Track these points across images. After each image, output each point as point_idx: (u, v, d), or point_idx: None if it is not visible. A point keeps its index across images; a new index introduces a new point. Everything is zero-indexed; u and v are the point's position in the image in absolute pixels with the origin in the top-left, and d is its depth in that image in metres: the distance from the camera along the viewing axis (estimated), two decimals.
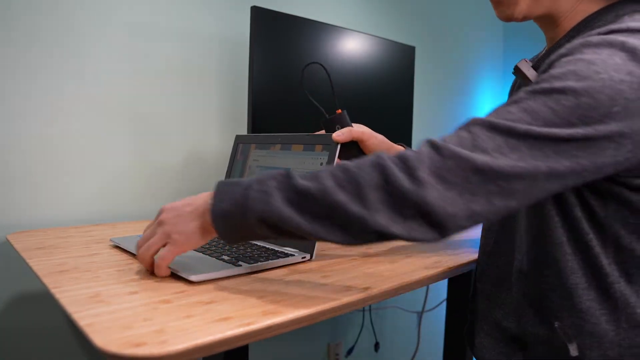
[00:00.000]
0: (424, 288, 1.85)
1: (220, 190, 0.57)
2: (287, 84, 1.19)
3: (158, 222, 0.62)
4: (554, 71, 0.54)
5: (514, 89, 0.86)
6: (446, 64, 1.97)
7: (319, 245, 0.86)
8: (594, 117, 0.50)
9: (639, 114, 0.50)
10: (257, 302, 0.56)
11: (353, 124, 0.85)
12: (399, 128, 1.50)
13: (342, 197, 0.51)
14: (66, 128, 1.03)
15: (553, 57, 0.57)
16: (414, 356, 1.88)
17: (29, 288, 1.00)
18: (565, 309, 0.61)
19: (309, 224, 0.53)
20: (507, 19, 0.67)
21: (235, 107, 1.30)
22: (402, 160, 0.51)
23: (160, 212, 0.63)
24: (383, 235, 0.51)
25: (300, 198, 0.53)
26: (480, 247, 0.78)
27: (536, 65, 0.68)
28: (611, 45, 0.52)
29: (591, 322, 0.60)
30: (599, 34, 0.56)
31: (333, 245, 0.86)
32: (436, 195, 0.49)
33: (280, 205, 0.53)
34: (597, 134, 0.50)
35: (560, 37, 0.66)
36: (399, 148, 0.91)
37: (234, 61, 1.28)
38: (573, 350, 0.60)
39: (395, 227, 0.50)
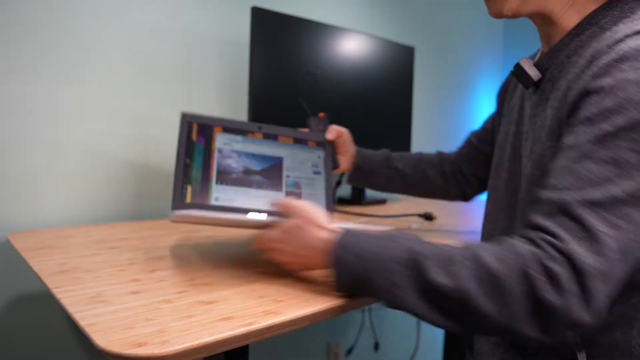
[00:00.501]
0: None
1: (341, 260, 0.56)
2: (287, 84, 1.19)
3: (283, 241, 0.63)
4: (606, 103, 0.51)
5: (509, 85, 0.86)
6: (445, 65, 1.97)
7: None
8: None
9: None
10: (257, 302, 0.56)
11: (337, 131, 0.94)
12: (398, 128, 1.51)
13: (488, 307, 0.48)
14: (66, 128, 1.03)
15: (586, 78, 0.54)
16: (413, 356, 1.88)
17: (29, 288, 1.00)
18: None
19: (443, 320, 0.51)
20: (497, 15, 0.66)
21: (236, 107, 1.30)
22: (546, 271, 0.47)
23: (281, 238, 0.63)
24: (522, 339, 0.49)
25: (436, 296, 0.50)
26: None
27: (539, 64, 0.67)
28: None
29: (603, 334, 0.58)
30: (626, 36, 0.54)
31: None
32: (584, 306, 0.47)
33: (412, 300, 0.50)
34: None
35: (561, 36, 0.65)
36: (353, 149, 0.98)
37: (234, 61, 1.29)
38: (581, 359, 0.59)
39: (540, 335, 0.48)
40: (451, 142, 2.05)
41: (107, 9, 1.07)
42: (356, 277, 0.55)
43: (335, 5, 1.52)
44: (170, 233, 0.94)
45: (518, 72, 0.69)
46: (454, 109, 2.05)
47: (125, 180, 1.12)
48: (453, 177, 1.00)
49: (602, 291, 0.47)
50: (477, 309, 0.48)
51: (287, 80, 1.19)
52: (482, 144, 0.96)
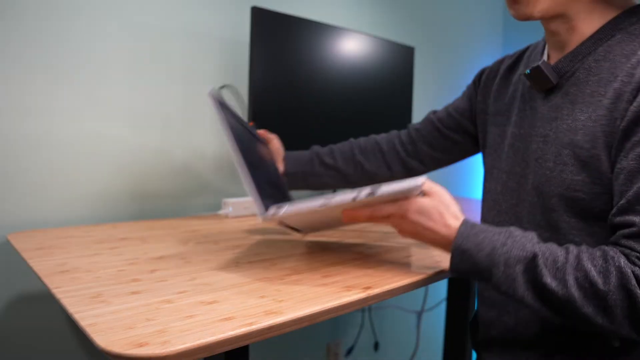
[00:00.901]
0: (423, 287, 1.85)
1: (463, 250, 0.62)
2: (287, 84, 1.19)
3: (404, 216, 0.66)
4: None
5: (492, 81, 0.85)
6: (445, 65, 1.98)
7: (319, 242, 0.86)
8: None
9: None
10: (258, 302, 0.56)
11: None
12: (398, 128, 1.50)
13: (589, 310, 0.55)
14: (66, 128, 1.03)
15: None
16: (413, 355, 1.88)
17: (29, 288, 1.00)
18: None
19: (548, 313, 0.58)
20: (525, 17, 0.65)
21: (236, 107, 1.30)
22: None
23: (414, 208, 0.65)
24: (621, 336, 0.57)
25: (545, 294, 0.57)
26: None
27: (558, 67, 0.67)
28: None
29: None
30: None
31: (332, 244, 0.86)
32: None
33: (524, 293, 0.58)
34: None
35: (579, 40, 0.65)
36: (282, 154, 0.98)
37: (234, 61, 1.28)
38: (615, 341, 0.61)
39: (635, 336, 0.55)
40: None
41: (107, 9, 1.07)
42: (475, 267, 0.61)
43: (335, 5, 1.52)
44: (171, 233, 0.94)
45: (535, 75, 0.68)
46: None
47: (125, 181, 1.12)
48: (399, 161, 0.97)
49: None
50: (581, 313, 0.55)
51: (287, 80, 1.19)
52: (448, 129, 0.92)
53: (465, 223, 0.64)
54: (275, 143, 0.99)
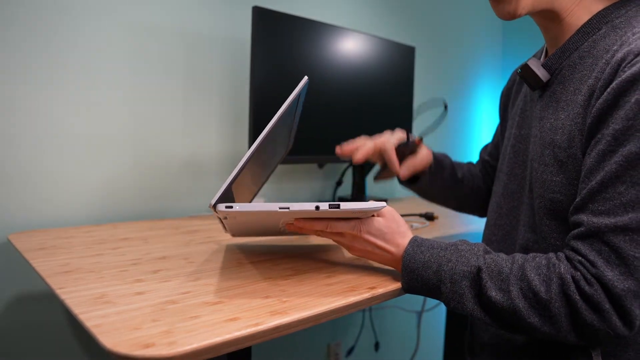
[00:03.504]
0: None
1: (411, 269, 0.62)
2: (288, 84, 1.19)
3: (356, 236, 0.65)
4: (631, 120, 0.52)
5: (509, 93, 0.85)
6: (445, 65, 1.98)
7: (319, 241, 0.86)
8: None
9: None
10: (263, 303, 0.56)
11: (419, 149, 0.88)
12: (398, 128, 1.50)
13: (534, 320, 0.55)
14: (67, 128, 1.03)
15: (614, 86, 0.54)
16: (413, 356, 1.88)
17: (30, 288, 1.00)
18: None
19: (498, 325, 0.58)
20: (510, 16, 0.63)
21: (236, 107, 1.30)
22: (584, 294, 0.53)
23: (366, 229, 0.65)
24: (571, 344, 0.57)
25: (492, 307, 0.57)
26: None
27: (548, 64, 0.66)
28: None
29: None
30: None
31: (334, 244, 0.86)
32: (621, 322, 0.52)
33: (473, 308, 0.58)
34: None
35: (569, 35, 0.64)
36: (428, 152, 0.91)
37: (235, 61, 1.28)
38: (596, 357, 0.59)
39: (584, 343, 0.55)
40: (451, 142, 2.05)
41: (107, 8, 1.06)
42: (425, 285, 0.62)
43: (336, 5, 1.52)
44: (172, 233, 0.94)
45: (525, 73, 0.68)
46: (454, 108, 2.05)
47: (126, 181, 1.12)
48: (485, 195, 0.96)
49: (636, 308, 0.52)
50: (527, 322, 0.55)
51: (288, 80, 1.19)
52: (493, 159, 0.93)
53: (412, 242, 0.64)
54: (424, 149, 0.90)
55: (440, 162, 0.91)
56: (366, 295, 0.60)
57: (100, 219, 1.08)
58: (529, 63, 0.67)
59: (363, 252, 0.67)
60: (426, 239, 0.65)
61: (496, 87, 2.26)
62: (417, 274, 0.62)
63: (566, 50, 0.64)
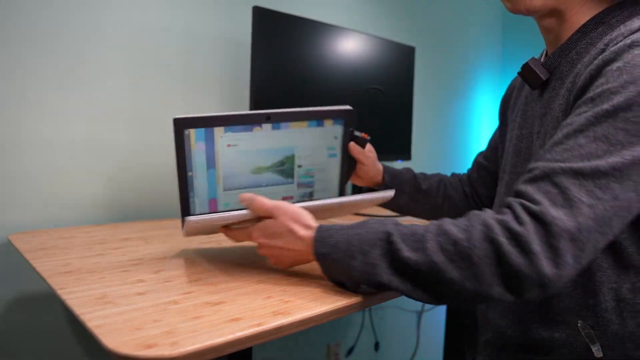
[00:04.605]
0: None
1: (323, 255, 0.58)
2: (289, 84, 1.19)
3: (262, 244, 0.65)
4: (609, 84, 0.52)
5: (510, 98, 0.85)
6: (446, 64, 1.98)
7: None
8: None
9: None
10: (265, 303, 0.55)
11: (367, 146, 0.85)
12: (398, 128, 1.50)
13: (455, 274, 0.51)
14: (67, 128, 1.02)
15: (598, 62, 0.54)
16: (413, 356, 1.88)
17: (30, 289, 0.99)
18: (588, 307, 0.60)
19: (418, 292, 0.54)
20: (524, 10, 0.64)
21: (237, 107, 1.29)
22: (512, 234, 0.50)
23: (265, 234, 0.64)
24: (493, 300, 0.52)
25: (408, 270, 0.53)
26: None
27: (548, 63, 0.67)
28: None
29: (616, 323, 0.58)
30: (633, 31, 0.54)
31: None
32: (552, 265, 0.48)
33: (387, 276, 0.54)
34: None
35: (569, 34, 0.65)
36: (381, 168, 0.90)
37: (235, 61, 1.28)
38: (597, 352, 0.58)
39: (509, 296, 0.51)
40: (451, 142, 2.05)
41: (108, 8, 1.06)
42: (338, 266, 0.58)
43: (336, 5, 1.52)
44: (173, 233, 0.93)
45: (525, 72, 0.68)
46: (454, 108, 2.05)
47: (126, 181, 1.12)
48: (472, 199, 0.95)
49: (570, 253, 0.48)
50: (446, 278, 0.51)
51: (288, 80, 1.19)
52: (491, 163, 0.92)
53: (319, 229, 0.60)
54: (372, 157, 0.88)
55: (398, 175, 0.90)
56: (369, 295, 0.60)
57: (101, 219, 1.08)
58: (529, 62, 0.68)
59: (278, 259, 0.65)
60: (334, 224, 0.61)
61: (496, 88, 2.26)
62: (331, 258, 0.57)
63: (565, 49, 0.65)
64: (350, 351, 1.68)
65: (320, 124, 0.76)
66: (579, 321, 0.60)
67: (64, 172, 1.03)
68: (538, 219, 0.49)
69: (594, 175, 0.50)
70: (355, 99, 1.34)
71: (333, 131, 0.77)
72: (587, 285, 0.60)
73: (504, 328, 0.69)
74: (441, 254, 0.51)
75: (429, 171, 0.99)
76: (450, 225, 0.53)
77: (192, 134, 0.73)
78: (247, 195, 0.65)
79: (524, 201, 0.51)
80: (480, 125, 2.20)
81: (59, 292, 0.57)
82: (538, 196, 0.51)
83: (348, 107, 0.75)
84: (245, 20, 1.28)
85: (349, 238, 0.57)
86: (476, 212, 0.54)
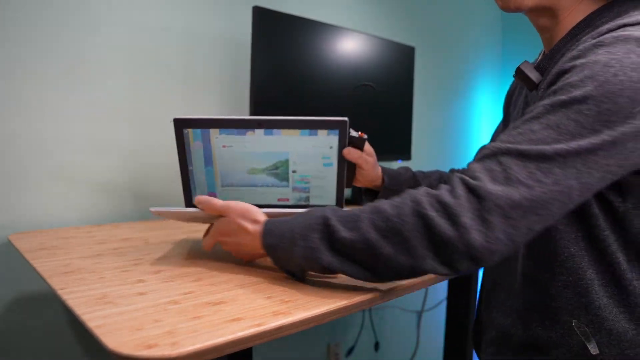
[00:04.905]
0: (423, 288, 1.85)
1: (271, 246, 0.61)
2: (289, 84, 1.19)
3: (221, 242, 0.69)
4: (571, 78, 0.53)
5: (513, 93, 0.86)
6: (446, 64, 1.98)
7: None
8: (616, 120, 0.50)
9: None
10: (265, 303, 0.55)
11: (366, 148, 0.85)
12: (398, 128, 1.50)
13: (388, 250, 0.53)
14: (67, 128, 1.02)
15: (565, 59, 0.56)
16: (413, 355, 1.88)
17: (30, 289, 0.99)
18: (582, 306, 0.60)
19: (358, 271, 0.56)
20: (517, 7, 0.64)
21: (237, 107, 1.29)
22: (443, 206, 0.51)
23: (220, 233, 0.68)
24: (427, 274, 0.55)
25: (346, 249, 0.55)
26: None
27: (540, 66, 0.67)
28: (626, 42, 0.52)
29: (609, 319, 0.58)
30: (609, 30, 0.55)
31: None
32: (481, 238, 0.50)
33: (328, 258, 0.56)
34: (623, 137, 0.50)
35: (563, 35, 0.65)
36: (380, 171, 0.90)
37: (236, 61, 1.28)
38: (593, 349, 0.59)
39: (441, 269, 0.53)
40: (451, 142, 2.05)
41: (108, 8, 1.06)
42: (285, 255, 0.60)
43: (336, 5, 1.52)
44: (173, 233, 0.93)
45: (521, 76, 0.68)
46: (454, 108, 2.05)
47: (126, 181, 1.12)
48: None
49: (501, 229, 0.50)
50: (381, 254, 0.53)
51: (288, 80, 1.19)
52: None
53: (266, 223, 0.62)
54: (372, 160, 0.88)
55: (397, 176, 0.91)
56: (369, 295, 0.60)
57: (101, 219, 1.08)
58: (521, 67, 0.68)
59: (237, 254, 0.69)
60: (283, 217, 0.63)
61: (496, 88, 2.26)
62: (278, 248, 0.60)
63: (555, 52, 0.65)
64: (350, 351, 1.68)
65: (313, 133, 0.77)
66: (573, 320, 0.61)
67: (64, 172, 1.03)
68: (474, 192, 0.51)
69: (538, 158, 0.51)
70: (355, 99, 1.34)
71: (328, 141, 0.78)
72: (578, 284, 0.60)
73: (507, 327, 0.69)
74: (374, 231, 0.53)
75: None
76: (384, 204, 0.55)
77: (191, 133, 0.78)
78: (202, 197, 0.69)
79: (464, 176, 0.53)
80: (480, 125, 2.20)
81: (60, 292, 0.57)
82: (480, 172, 0.52)
83: (343, 118, 0.76)
84: (245, 20, 1.28)
85: (291, 227, 0.59)
86: (411, 190, 0.56)
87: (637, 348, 0.58)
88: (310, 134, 0.77)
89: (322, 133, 0.77)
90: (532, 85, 0.67)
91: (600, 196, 0.58)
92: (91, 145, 1.06)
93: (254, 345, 0.48)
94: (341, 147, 0.77)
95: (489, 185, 0.51)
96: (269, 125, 0.77)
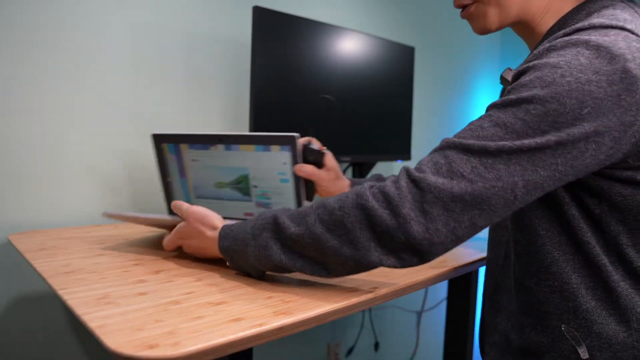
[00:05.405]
0: (423, 288, 1.85)
1: (226, 249, 0.63)
2: (289, 84, 1.19)
3: (182, 245, 0.73)
4: (522, 79, 0.54)
5: (502, 94, 0.86)
6: (445, 65, 1.98)
7: None
8: (564, 122, 0.50)
9: (611, 110, 0.50)
10: (266, 303, 0.55)
11: (327, 162, 0.85)
12: (398, 128, 1.51)
13: (333, 242, 0.54)
14: (67, 128, 1.02)
15: (523, 66, 0.57)
16: (413, 356, 1.88)
17: (30, 289, 0.99)
18: (569, 310, 0.60)
19: (309, 266, 0.58)
20: (483, 31, 0.68)
21: (237, 107, 1.29)
22: (385, 197, 0.53)
23: (180, 236, 0.71)
24: (376, 267, 0.56)
25: (295, 245, 0.57)
26: (489, 260, 0.75)
27: (522, 70, 0.68)
28: (575, 45, 0.52)
29: (598, 323, 0.58)
30: (565, 34, 0.56)
31: None
32: (421, 229, 0.51)
33: (279, 257, 0.58)
34: (571, 138, 0.50)
35: (537, 42, 0.65)
36: (347, 182, 0.90)
37: (236, 61, 1.28)
38: (583, 353, 0.58)
39: (387, 260, 0.54)
40: None
41: (108, 8, 1.06)
42: (239, 257, 0.62)
43: (336, 5, 1.52)
44: None
45: (503, 82, 0.69)
46: (454, 108, 2.05)
47: (126, 181, 1.12)
48: None
49: (442, 221, 0.51)
50: (327, 247, 0.54)
51: (288, 80, 1.19)
52: None
53: (222, 228, 0.65)
54: (334, 173, 0.88)
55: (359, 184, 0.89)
56: (369, 295, 0.60)
57: (101, 219, 1.08)
58: (503, 74, 0.69)
59: (199, 255, 0.71)
60: (237, 222, 0.65)
61: (495, 88, 2.26)
62: (232, 250, 0.62)
63: (534, 56, 0.65)
64: (350, 351, 1.68)
65: (267, 149, 0.79)
66: (563, 325, 0.60)
67: (64, 172, 1.03)
68: (416, 183, 0.52)
69: (482, 153, 0.52)
70: (355, 99, 1.34)
71: (281, 157, 0.79)
72: (564, 288, 0.60)
73: (508, 331, 0.69)
74: (320, 225, 0.55)
75: None
76: (330, 199, 0.56)
77: (166, 147, 0.85)
78: (176, 202, 0.72)
79: (410, 168, 0.54)
80: None
81: (60, 292, 0.57)
82: (425, 165, 0.54)
83: (293, 133, 0.76)
84: (245, 20, 1.28)
85: (244, 228, 0.61)
86: (357, 185, 0.57)
87: (629, 350, 0.57)
88: (264, 150, 0.79)
89: (275, 149, 0.79)
90: None
91: (577, 199, 0.58)
92: (92, 145, 1.06)
93: (254, 345, 0.48)
94: (294, 163, 0.78)
95: (431, 177, 0.52)
96: (227, 141, 0.80)
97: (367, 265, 0.55)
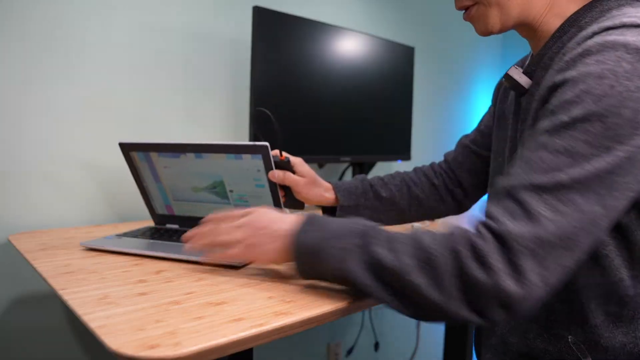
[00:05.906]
0: None
1: (302, 235, 0.58)
2: (288, 83, 1.19)
3: (243, 225, 0.64)
4: (566, 95, 0.51)
5: (498, 95, 0.86)
6: (445, 65, 1.98)
7: None
8: (626, 134, 0.48)
9: None
10: (266, 303, 0.55)
11: (299, 168, 0.84)
12: (398, 128, 1.51)
13: (420, 280, 0.50)
14: (67, 128, 1.02)
15: (555, 70, 0.54)
16: (413, 356, 1.88)
17: (30, 289, 0.99)
18: (577, 323, 0.59)
19: (383, 292, 0.53)
20: (485, 33, 0.66)
21: (237, 107, 1.29)
22: (474, 249, 0.49)
23: (248, 214, 0.65)
24: (456, 320, 0.51)
25: (377, 267, 0.53)
26: None
27: (528, 70, 0.67)
28: (614, 48, 0.50)
29: (605, 337, 0.57)
30: (595, 33, 0.53)
31: None
32: (514, 284, 0.47)
33: (356, 268, 0.54)
34: (636, 150, 0.48)
35: (545, 42, 0.65)
36: (326, 185, 0.88)
37: (236, 61, 1.28)
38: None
39: (471, 315, 0.50)
40: (451, 142, 2.05)
41: (108, 8, 1.06)
42: (313, 247, 0.57)
43: (336, 5, 1.52)
44: None
45: (510, 82, 0.68)
46: (454, 108, 2.05)
47: (125, 181, 1.11)
48: (448, 192, 0.92)
49: (533, 270, 0.47)
50: (412, 283, 0.50)
51: (288, 79, 1.19)
52: (482, 149, 0.90)
53: (297, 227, 0.60)
54: (309, 178, 0.85)
55: (353, 190, 0.88)
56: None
57: (101, 219, 1.08)
58: (510, 72, 0.67)
59: (252, 250, 0.63)
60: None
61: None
62: (305, 239, 0.58)
63: (541, 55, 0.65)
64: (350, 351, 1.68)
65: (239, 157, 0.80)
66: (570, 336, 0.59)
67: (64, 172, 1.03)
68: (497, 235, 0.48)
69: (555, 188, 0.48)
70: (355, 99, 1.34)
71: (254, 164, 0.79)
72: (575, 300, 0.59)
73: (507, 335, 0.69)
74: (410, 257, 0.51)
75: None
76: (423, 234, 0.53)
77: (135, 155, 0.87)
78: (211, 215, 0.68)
79: (487, 220, 0.51)
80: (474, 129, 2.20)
81: (61, 292, 0.57)
82: (498, 214, 0.50)
83: (263, 143, 0.77)
84: (245, 20, 1.28)
85: (333, 225, 0.58)
86: (452, 225, 0.54)
87: None
88: (236, 158, 0.80)
89: (246, 157, 0.79)
90: (522, 90, 0.67)
91: None
92: (92, 145, 1.06)
93: (255, 345, 0.48)
94: (267, 169, 0.79)
95: (509, 225, 0.48)
96: (196, 150, 0.81)
97: (448, 315, 0.51)
